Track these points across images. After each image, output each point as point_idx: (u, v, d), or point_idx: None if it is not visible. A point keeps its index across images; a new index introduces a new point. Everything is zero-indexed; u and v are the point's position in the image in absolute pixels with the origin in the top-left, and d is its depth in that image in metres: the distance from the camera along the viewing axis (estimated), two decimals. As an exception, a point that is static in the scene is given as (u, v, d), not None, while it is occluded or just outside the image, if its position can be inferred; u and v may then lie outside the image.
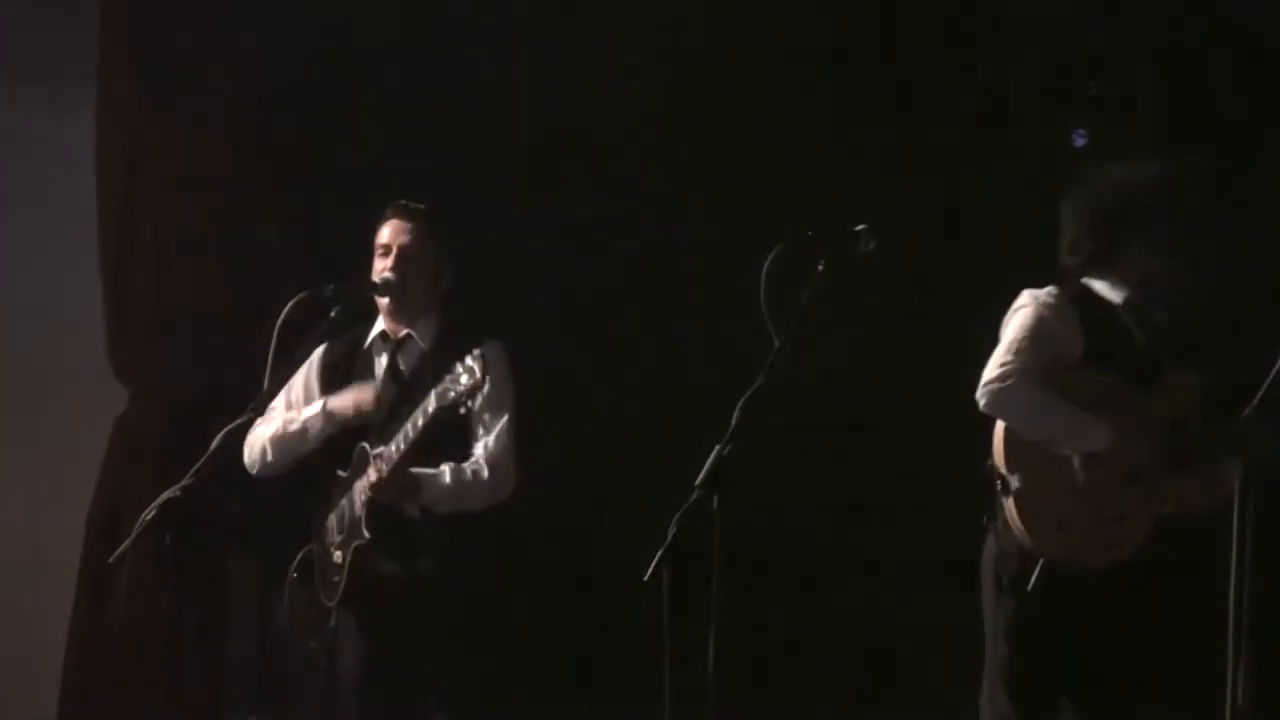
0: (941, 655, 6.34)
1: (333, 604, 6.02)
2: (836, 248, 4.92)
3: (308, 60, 7.19)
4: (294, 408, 6.20)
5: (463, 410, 5.67)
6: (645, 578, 4.53)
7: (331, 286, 5.91)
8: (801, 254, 4.89)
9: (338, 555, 6.01)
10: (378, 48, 7.26)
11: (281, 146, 7.22)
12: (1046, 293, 5.38)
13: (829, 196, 6.51)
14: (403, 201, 6.14)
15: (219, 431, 5.54)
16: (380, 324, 6.16)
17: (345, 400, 6.05)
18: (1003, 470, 5.31)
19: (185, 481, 5.45)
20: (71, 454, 7.36)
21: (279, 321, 5.74)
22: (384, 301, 6.08)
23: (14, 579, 7.44)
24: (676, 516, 4.56)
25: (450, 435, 5.91)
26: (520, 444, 6.03)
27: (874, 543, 6.89)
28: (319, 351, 6.14)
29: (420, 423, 5.72)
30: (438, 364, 5.89)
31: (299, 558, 6.19)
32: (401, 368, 6.09)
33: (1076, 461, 5.29)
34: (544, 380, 5.93)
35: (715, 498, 4.58)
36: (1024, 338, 5.31)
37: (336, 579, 6.01)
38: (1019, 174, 6.73)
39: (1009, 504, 5.29)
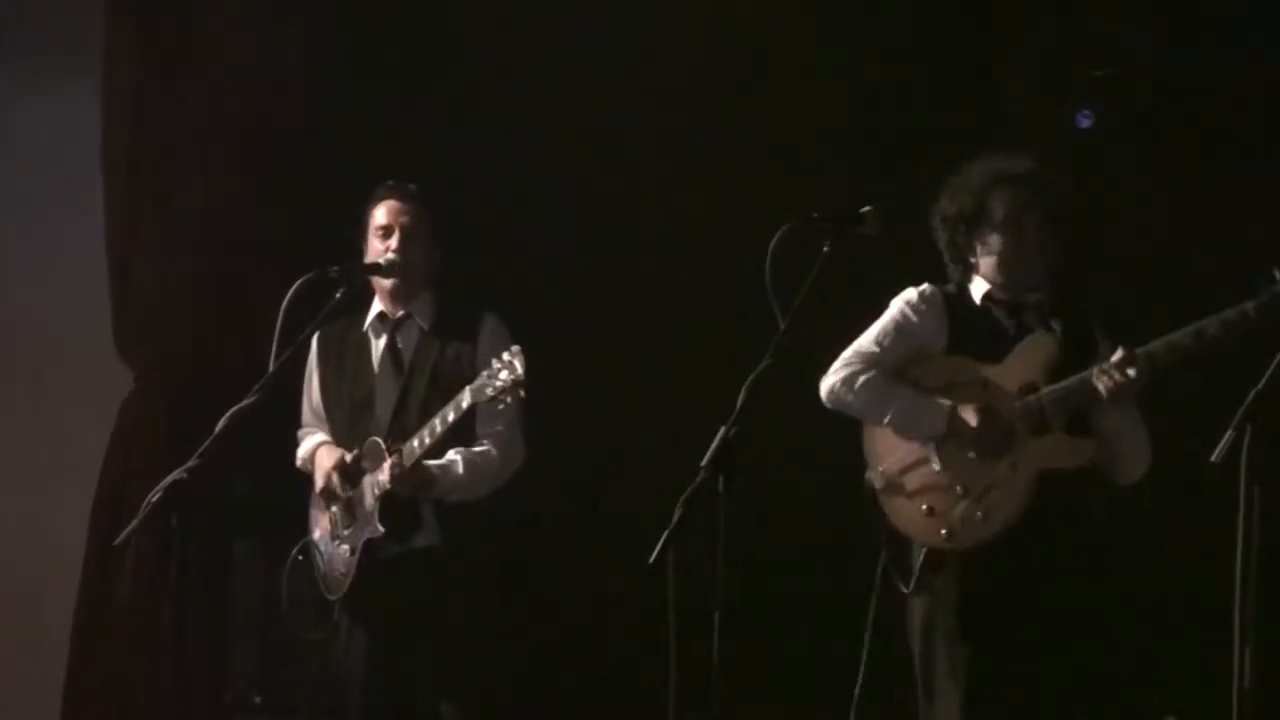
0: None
1: (338, 597, 6.02)
2: (842, 230, 4.92)
3: (314, 39, 7.20)
4: (313, 412, 6.26)
5: (501, 406, 5.68)
6: (651, 560, 4.53)
7: (336, 267, 5.91)
8: (807, 235, 4.89)
9: (344, 549, 6.00)
10: (384, 29, 7.28)
11: (288, 127, 7.21)
12: (918, 290, 5.57)
13: (830, 185, 6.50)
14: (393, 182, 6.14)
15: (225, 414, 5.53)
16: (377, 305, 6.16)
17: (322, 466, 6.08)
18: (868, 469, 5.50)
19: (191, 464, 5.44)
20: (77, 437, 7.36)
21: (284, 303, 5.74)
22: (384, 283, 6.08)
23: (20, 560, 7.46)
24: (682, 498, 4.56)
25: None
26: (524, 417, 6.04)
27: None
28: (315, 342, 6.14)
29: (451, 418, 5.72)
30: (440, 344, 5.98)
31: (296, 550, 6.18)
32: (400, 347, 6.09)
33: (931, 446, 5.42)
34: (543, 358, 5.92)
35: (721, 479, 4.58)
36: (875, 336, 5.55)
37: (343, 572, 6.00)
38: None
39: (880, 501, 5.48)
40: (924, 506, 5.42)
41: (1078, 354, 5.43)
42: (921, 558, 5.43)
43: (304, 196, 7.17)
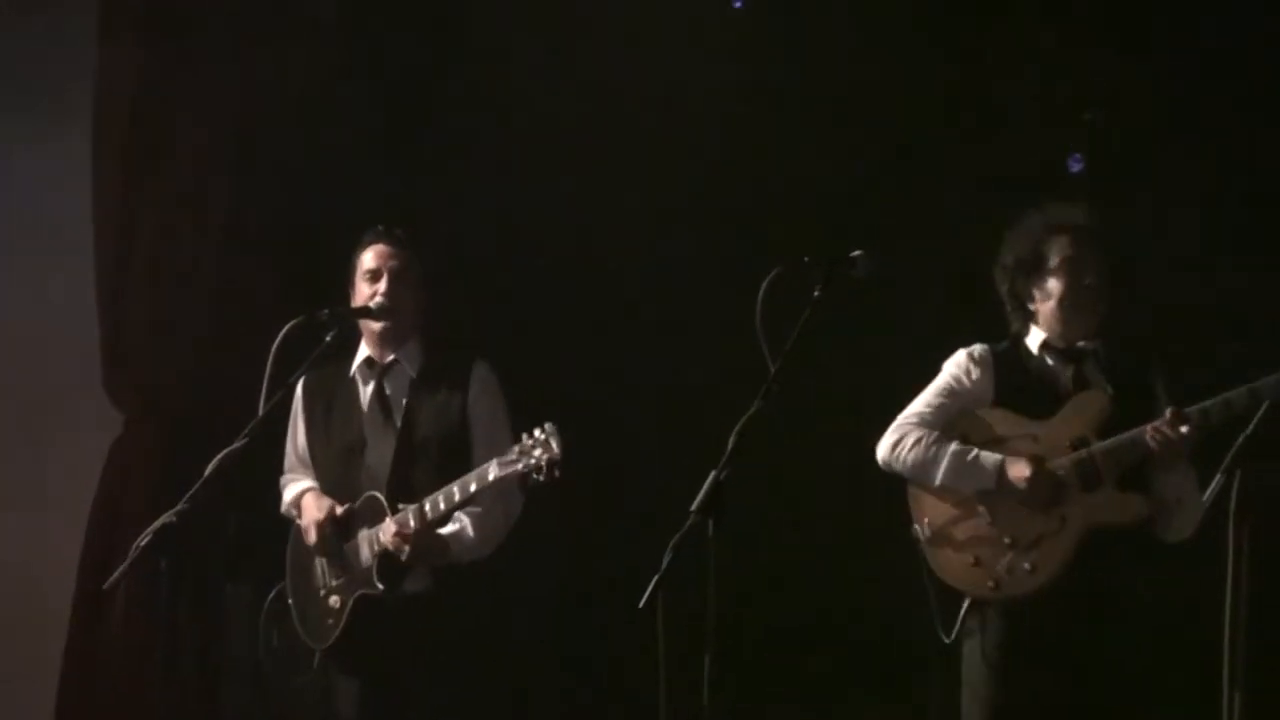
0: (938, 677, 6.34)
1: (324, 647, 6.00)
2: (833, 273, 4.92)
3: (304, 85, 7.21)
4: (299, 458, 6.23)
5: (531, 482, 5.61)
6: (641, 604, 4.51)
7: (326, 310, 5.91)
8: (798, 279, 4.89)
9: (334, 600, 5.97)
10: (376, 75, 7.30)
11: (277, 171, 7.23)
12: (968, 351, 5.66)
13: (825, 227, 6.51)
14: (383, 226, 6.13)
15: (214, 457, 5.52)
16: (364, 350, 6.15)
17: (310, 515, 6.03)
18: (914, 522, 5.55)
19: (180, 507, 5.44)
20: (67, 479, 7.34)
21: (274, 346, 5.73)
22: (374, 327, 6.06)
23: (10, 603, 7.42)
24: (672, 542, 4.55)
25: (450, 454, 5.92)
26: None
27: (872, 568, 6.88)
28: (300, 387, 6.11)
29: (473, 488, 5.68)
30: (429, 391, 5.98)
31: (272, 596, 6.17)
32: (389, 394, 6.08)
33: (979, 499, 5.47)
34: (533, 404, 5.92)
35: (711, 523, 4.57)
36: (928, 398, 5.63)
37: (330, 623, 5.98)
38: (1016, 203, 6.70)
39: (924, 552, 5.53)
40: (971, 558, 5.46)
41: (1132, 409, 5.45)
42: (965, 608, 5.48)
43: (297, 237, 7.18)
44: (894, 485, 5.67)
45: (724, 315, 5.64)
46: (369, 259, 6.08)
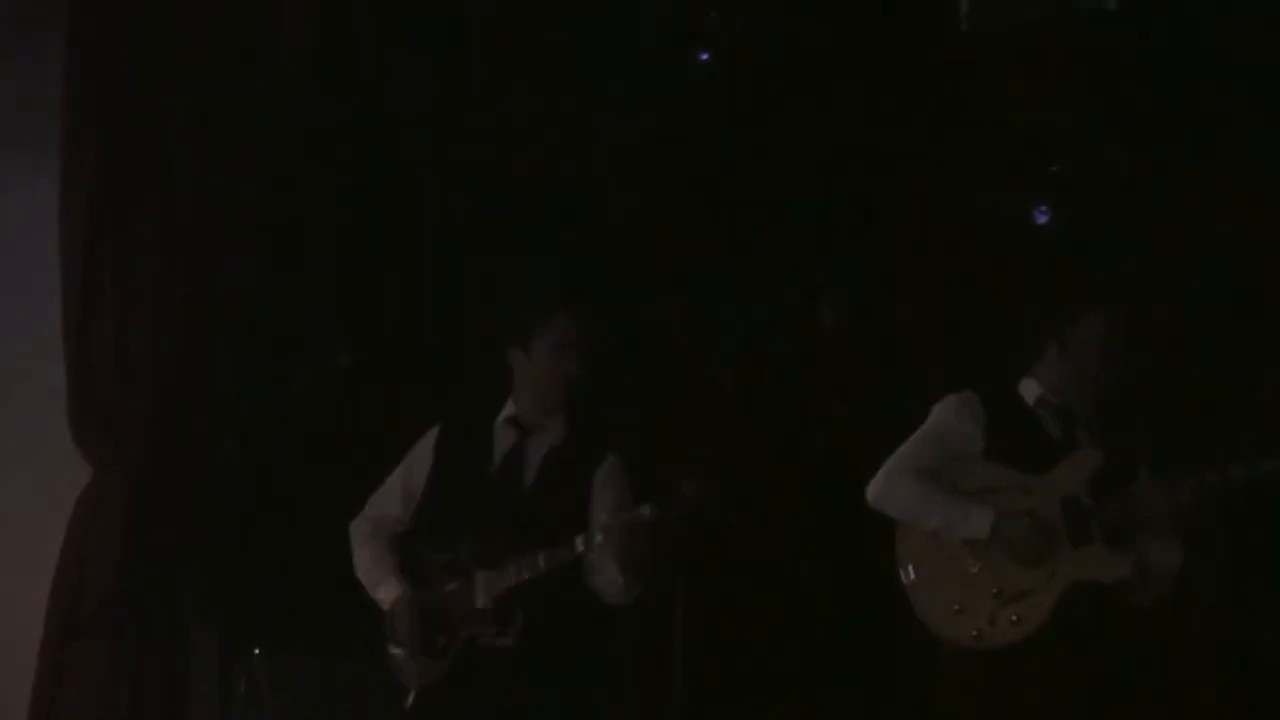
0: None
1: (423, 685, 5.97)
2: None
3: (271, 127, 7.26)
4: (408, 491, 6.17)
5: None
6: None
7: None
8: None
9: (441, 640, 5.97)
10: (340, 119, 7.34)
11: (244, 217, 7.27)
12: (958, 396, 5.68)
13: (794, 273, 6.55)
14: (574, 295, 6.15)
15: (185, 504, 5.53)
16: (510, 407, 6.15)
17: (386, 597, 6.05)
18: (899, 566, 5.57)
19: (148, 555, 5.44)
20: (35, 529, 7.31)
21: None
22: (533, 389, 6.06)
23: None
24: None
25: (565, 527, 5.87)
26: None
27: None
28: (438, 430, 6.13)
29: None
30: (562, 466, 6.00)
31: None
32: (526, 452, 6.07)
33: (968, 548, 5.49)
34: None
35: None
36: (919, 440, 5.67)
37: (438, 663, 5.98)
38: (984, 252, 6.75)
39: (909, 596, 5.55)
40: (955, 606, 5.48)
41: (1119, 471, 5.51)
42: (944, 657, 5.53)
43: (264, 285, 7.21)
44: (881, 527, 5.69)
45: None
46: (562, 331, 6.05)
